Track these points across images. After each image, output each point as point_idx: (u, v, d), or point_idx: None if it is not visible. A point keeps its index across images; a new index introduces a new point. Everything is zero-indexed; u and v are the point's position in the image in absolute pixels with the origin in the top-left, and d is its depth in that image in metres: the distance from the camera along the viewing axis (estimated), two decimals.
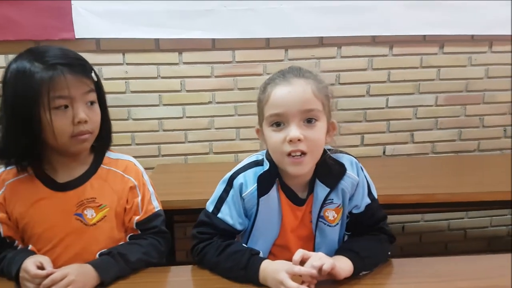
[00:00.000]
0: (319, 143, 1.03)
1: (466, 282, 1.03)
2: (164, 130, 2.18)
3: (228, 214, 1.11)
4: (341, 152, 1.14)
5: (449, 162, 2.23)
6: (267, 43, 2.13)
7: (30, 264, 0.97)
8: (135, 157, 1.22)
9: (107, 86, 2.03)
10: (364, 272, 1.05)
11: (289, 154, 1.00)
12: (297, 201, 1.11)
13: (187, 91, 2.15)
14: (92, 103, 1.09)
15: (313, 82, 1.02)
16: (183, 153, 2.23)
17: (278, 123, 1.02)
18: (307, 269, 0.93)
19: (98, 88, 1.11)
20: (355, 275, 1.02)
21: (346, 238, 1.18)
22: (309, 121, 1.01)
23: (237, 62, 2.14)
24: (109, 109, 2.05)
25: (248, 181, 1.10)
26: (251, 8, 2.04)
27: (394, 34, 2.17)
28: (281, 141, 1.01)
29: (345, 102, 2.24)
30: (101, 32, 2.01)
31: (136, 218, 1.16)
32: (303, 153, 1.00)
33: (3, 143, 1.05)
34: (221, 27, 2.07)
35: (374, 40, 2.19)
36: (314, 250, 1.12)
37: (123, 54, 2.07)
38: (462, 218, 2.50)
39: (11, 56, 1.30)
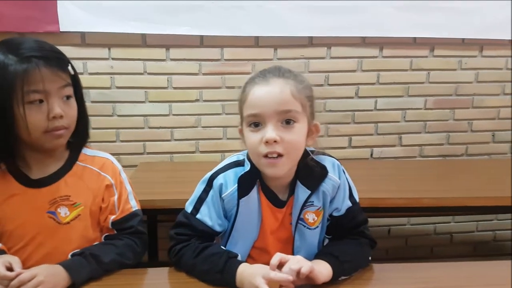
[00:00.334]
0: (297, 145, 1.01)
1: None
2: (150, 128, 2.15)
3: (207, 215, 1.09)
4: (324, 154, 1.12)
5: (437, 166, 2.21)
6: (256, 42, 2.10)
7: None
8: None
9: (91, 81, 2.06)
10: (343, 277, 1.03)
11: (265, 156, 0.98)
12: (278, 203, 1.09)
13: (174, 88, 2.11)
14: (68, 97, 1.05)
15: (292, 83, 1.00)
16: (169, 151, 2.19)
17: (256, 123, 0.99)
18: (283, 275, 0.91)
19: (75, 82, 1.08)
20: (334, 280, 1.00)
21: (326, 242, 1.16)
22: (288, 122, 0.98)
23: (226, 60, 2.11)
24: (94, 104, 2.06)
25: (228, 181, 1.08)
26: (241, 6, 2.01)
27: (385, 35, 2.15)
28: (258, 142, 0.98)
29: (334, 103, 2.22)
30: (86, 25, 1.97)
31: (112, 217, 1.13)
32: (280, 155, 0.98)
33: None
34: (209, 24, 2.03)
35: (364, 41, 2.17)
36: (293, 253, 1.10)
37: (109, 49, 2.03)
38: (449, 222, 2.50)
39: None
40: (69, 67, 1.05)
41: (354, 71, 2.20)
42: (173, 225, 1.13)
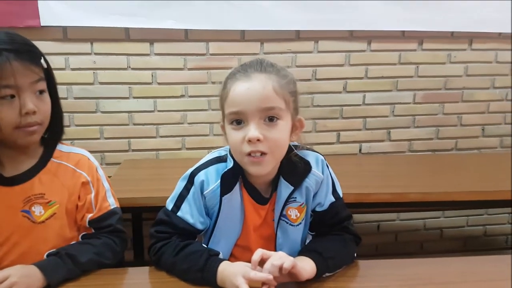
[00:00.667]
0: (280, 143, 0.98)
1: (436, 286, 0.99)
2: (135, 124, 2.10)
3: (189, 213, 1.06)
4: (308, 149, 1.09)
5: (426, 160, 2.20)
6: (242, 36, 2.07)
7: None
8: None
9: (74, 76, 2.01)
10: (327, 274, 1.00)
11: (249, 154, 0.95)
12: (261, 200, 1.07)
13: (159, 83, 2.07)
14: (41, 92, 1.02)
15: (275, 78, 0.96)
16: (154, 148, 2.15)
17: (238, 121, 0.96)
18: (262, 274, 0.88)
19: (49, 76, 1.04)
20: (318, 277, 0.97)
21: (309, 239, 1.13)
22: (271, 119, 0.95)
23: (211, 54, 2.07)
24: (77, 101, 2.01)
25: (210, 178, 1.05)
26: None
27: (372, 29, 2.12)
28: (240, 141, 0.95)
29: (321, 98, 2.19)
30: (68, 19, 1.91)
31: (89, 215, 1.10)
32: (263, 153, 0.95)
33: None
34: (194, 18, 1.99)
35: (352, 35, 2.14)
36: (275, 250, 1.07)
37: (91, 44, 1.98)
38: (439, 218, 2.49)
39: None
40: (42, 61, 1.01)
41: (342, 65, 2.17)
42: (153, 223, 1.10)
